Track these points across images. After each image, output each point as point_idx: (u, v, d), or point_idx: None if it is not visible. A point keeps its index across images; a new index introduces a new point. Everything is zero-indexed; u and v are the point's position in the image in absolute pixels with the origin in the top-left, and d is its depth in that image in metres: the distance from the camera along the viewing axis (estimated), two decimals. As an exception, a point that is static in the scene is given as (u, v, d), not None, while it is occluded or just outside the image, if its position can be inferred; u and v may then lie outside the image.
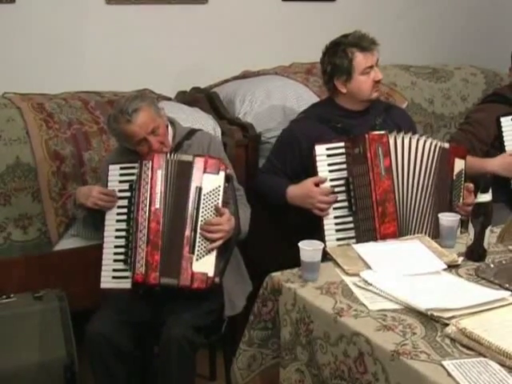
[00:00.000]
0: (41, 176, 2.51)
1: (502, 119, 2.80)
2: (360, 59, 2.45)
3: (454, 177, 2.40)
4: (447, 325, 1.57)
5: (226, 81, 3.32)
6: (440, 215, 2.11)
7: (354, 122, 2.49)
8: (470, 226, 1.98)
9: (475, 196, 2.09)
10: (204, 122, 2.81)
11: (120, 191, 2.29)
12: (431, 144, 2.39)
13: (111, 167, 2.32)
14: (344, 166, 2.36)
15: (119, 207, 2.29)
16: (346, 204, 2.35)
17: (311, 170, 2.39)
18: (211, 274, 2.17)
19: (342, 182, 2.35)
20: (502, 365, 1.41)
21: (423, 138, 2.39)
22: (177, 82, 3.36)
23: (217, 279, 2.18)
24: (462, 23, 4.20)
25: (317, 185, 2.37)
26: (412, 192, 2.36)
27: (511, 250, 2.06)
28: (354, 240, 2.30)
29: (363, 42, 2.46)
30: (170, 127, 2.40)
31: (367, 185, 2.32)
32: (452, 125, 3.31)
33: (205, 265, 2.17)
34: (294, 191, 2.44)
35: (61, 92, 2.88)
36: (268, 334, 1.96)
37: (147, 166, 2.23)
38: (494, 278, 1.84)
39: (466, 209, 2.31)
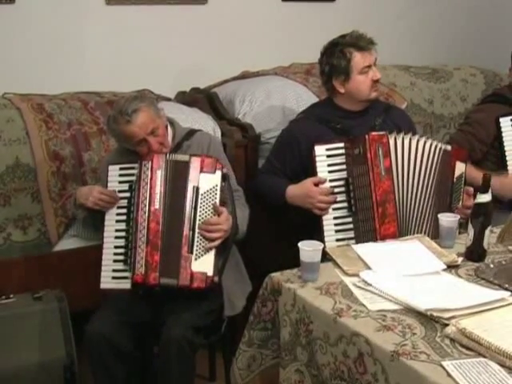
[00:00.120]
0: (40, 176, 2.51)
1: (502, 119, 2.80)
2: (358, 59, 2.45)
3: (455, 179, 2.39)
4: (447, 325, 1.57)
5: (226, 81, 3.32)
6: (440, 215, 2.11)
7: (353, 123, 2.49)
8: (470, 226, 1.98)
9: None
10: (203, 123, 2.81)
11: (120, 191, 2.29)
12: (431, 145, 2.38)
13: (111, 168, 2.33)
14: (344, 166, 2.36)
15: (119, 207, 2.29)
16: (345, 204, 2.35)
17: (311, 171, 2.39)
18: (210, 273, 2.17)
19: (341, 182, 2.35)
20: (502, 365, 1.41)
21: (423, 139, 2.39)
22: (176, 82, 3.36)
23: (216, 278, 2.19)
24: (462, 23, 4.21)
25: (316, 185, 2.37)
26: (412, 192, 2.36)
27: (511, 251, 2.06)
28: (353, 241, 2.29)
29: (361, 42, 2.46)
30: (169, 128, 2.40)
31: (367, 185, 2.32)
32: (451, 125, 3.31)
33: (204, 264, 2.18)
34: (294, 191, 2.44)
35: (61, 92, 2.89)
36: (268, 335, 1.96)
37: (147, 166, 2.23)
38: (493, 278, 1.84)
39: (465, 212, 2.29)
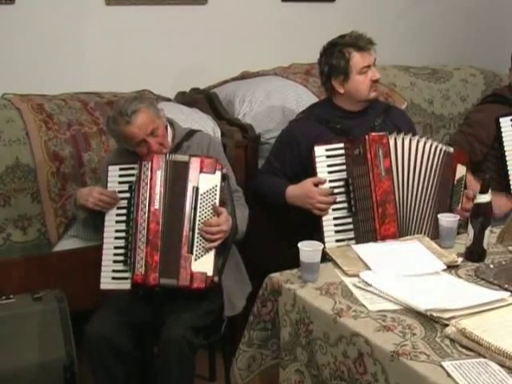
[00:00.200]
0: (40, 177, 2.51)
1: (501, 120, 2.80)
2: (357, 59, 2.45)
3: (455, 182, 2.39)
4: (447, 325, 1.57)
5: (226, 81, 3.32)
6: (439, 216, 2.11)
7: (352, 123, 2.49)
8: (470, 226, 1.98)
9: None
10: (203, 123, 2.81)
11: (119, 192, 2.29)
12: (431, 146, 2.38)
13: (111, 168, 2.33)
14: (343, 166, 2.35)
15: (119, 208, 2.29)
16: (345, 205, 2.35)
17: (310, 171, 2.39)
18: (210, 273, 2.17)
19: (341, 183, 2.35)
20: (502, 365, 1.42)
21: (423, 140, 2.39)
22: (176, 82, 3.36)
23: (216, 278, 2.19)
24: (462, 23, 4.21)
25: (316, 185, 2.37)
26: (412, 193, 2.36)
27: (511, 251, 2.06)
28: (353, 241, 2.29)
29: (360, 42, 2.46)
30: (169, 128, 2.40)
31: (367, 186, 2.32)
32: (451, 125, 3.31)
33: (204, 264, 2.18)
34: (294, 191, 2.44)
35: (60, 92, 2.89)
36: (268, 335, 1.96)
37: (147, 166, 2.23)
38: (493, 278, 1.84)
39: (464, 214, 2.29)
